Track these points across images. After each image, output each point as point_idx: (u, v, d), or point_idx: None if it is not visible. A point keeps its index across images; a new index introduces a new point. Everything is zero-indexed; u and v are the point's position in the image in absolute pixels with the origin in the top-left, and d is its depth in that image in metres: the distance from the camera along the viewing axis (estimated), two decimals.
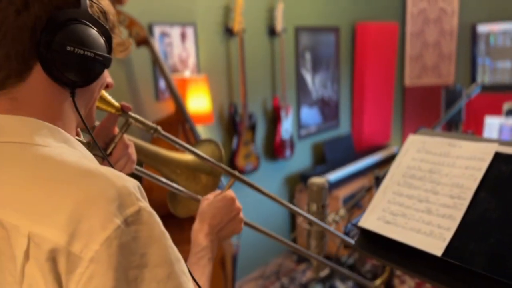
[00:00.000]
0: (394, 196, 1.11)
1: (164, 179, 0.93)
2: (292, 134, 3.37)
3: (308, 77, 3.63)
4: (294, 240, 3.57)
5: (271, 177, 3.36)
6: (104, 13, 0.66)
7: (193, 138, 2.38)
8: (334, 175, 3.44)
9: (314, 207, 1.32)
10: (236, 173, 0.96)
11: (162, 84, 2.50)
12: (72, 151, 0.61)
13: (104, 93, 0.80)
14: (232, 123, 2.92)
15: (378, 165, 4.00)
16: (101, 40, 0.63)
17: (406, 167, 1.14)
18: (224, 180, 2.54)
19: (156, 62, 2.31)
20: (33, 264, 0.52)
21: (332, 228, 1.20)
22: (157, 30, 2.46)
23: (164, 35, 2.52)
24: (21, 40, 0.58)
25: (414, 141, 1.17)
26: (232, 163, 2.92)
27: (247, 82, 2.95)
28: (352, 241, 1.17)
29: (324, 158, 3.75)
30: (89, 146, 0.79)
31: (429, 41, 4.55)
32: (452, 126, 4.22)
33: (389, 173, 1.17)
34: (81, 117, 0.65)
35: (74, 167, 0.56)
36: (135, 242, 0.52)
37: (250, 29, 2.93)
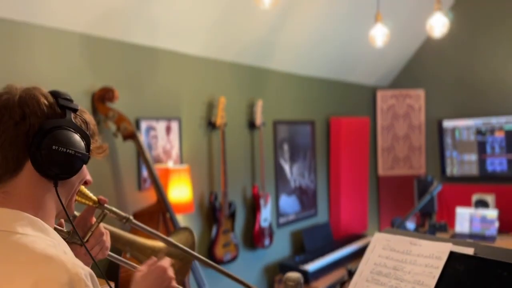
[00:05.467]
0: None
1: (126, 261, 1.00)
2: (271, 222, 3.42)
3: (286, 166, 3.79)
4: None
5: (250, 266, 3.34)
6: (86, 123, 0.83)
7: (172, 227, 2.42)
8: (313, 265, 3.44)
9: None
10: (208, 260, 1.03)
11: (144, 174, 2.60)
12: (44, 238, 0.72)
13: (84, 188, 0.93)
14: (212, 211, 2.98)
15: (357, 255, 4.02)
16: (81, 142, 0.78)
17: (374, 264, 1.22)
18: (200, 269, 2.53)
19: (141, 154, 2.43)
20: None
21: None
22: (143, 124, 2.62)
23: (150, 128, 2.67)
24: (16, 145, 0.72)
25: (380, 238, 1.27)
26: (210, 252, 2.93)
27: (228, 172, 3.07)
28: None
29: (303, 247, 3.77)
30: (69, 234, 0.90)
31: (399, 135, 4.86)
32: (426, 216, 4.36)
33: (358, 269, 1.25)
34: (62, 205, 0.77)
35: (40, 253, 0.69)
36: None
37: (231, 122, 3.13)
